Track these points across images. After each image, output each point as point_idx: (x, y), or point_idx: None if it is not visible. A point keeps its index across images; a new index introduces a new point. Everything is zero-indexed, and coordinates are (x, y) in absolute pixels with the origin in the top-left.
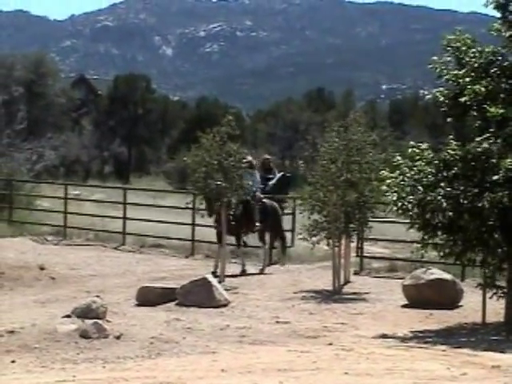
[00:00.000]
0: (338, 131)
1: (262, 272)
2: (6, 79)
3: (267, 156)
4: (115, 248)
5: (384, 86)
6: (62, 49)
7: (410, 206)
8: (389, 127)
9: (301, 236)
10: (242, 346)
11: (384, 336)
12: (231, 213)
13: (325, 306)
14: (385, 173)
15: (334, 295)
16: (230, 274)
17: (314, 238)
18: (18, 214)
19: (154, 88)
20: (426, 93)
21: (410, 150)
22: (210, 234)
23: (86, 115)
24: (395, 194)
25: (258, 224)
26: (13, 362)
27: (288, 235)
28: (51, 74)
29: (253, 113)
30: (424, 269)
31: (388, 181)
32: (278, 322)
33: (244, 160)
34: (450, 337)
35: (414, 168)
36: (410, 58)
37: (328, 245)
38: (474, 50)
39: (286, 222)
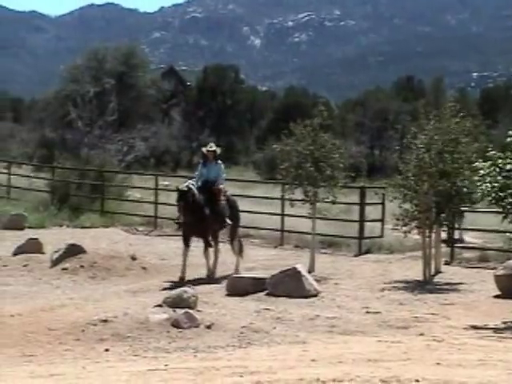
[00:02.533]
0: (433, 120)
1: (211, 277)
2: (97, 71)
3: None
4: None
5: (475, 74)
6: (151, 40)
7: (503, 195)
8: (480, 116)
9: (391, 226)
10: (332, 335)
11: (476, 327)
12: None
13: (415, 297)
14: (479, 164)
15: (424, 285)
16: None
17: (404, 228)
18: (109, 204)
19: (242, 78)
20: None
21: (508, 140)
22: (300, 224)
23: (175, 106)
24: (488, 184)
25: (228, 221)
26: (106, 350)
27: (378, 225)
28: (141, 65)
29: (341, 102)
30: None
31: (481, 171)
32: (367, 312)
33: (207, 149)
34: None
35: (508, 159)
36: (501, 44)
37: (419, 234)
38: None
39: (376, 212)
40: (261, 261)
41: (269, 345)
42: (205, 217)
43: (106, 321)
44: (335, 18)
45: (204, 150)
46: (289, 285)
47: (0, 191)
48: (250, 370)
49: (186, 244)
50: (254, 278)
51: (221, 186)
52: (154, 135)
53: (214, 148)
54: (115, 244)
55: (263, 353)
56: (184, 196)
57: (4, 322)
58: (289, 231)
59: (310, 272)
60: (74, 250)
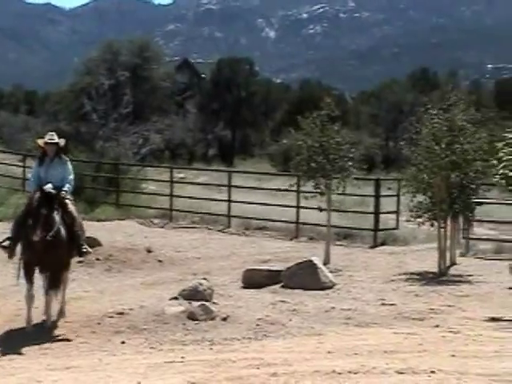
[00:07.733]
0: (440, 112)
1: (48, 325)
2: (112, 64)
3: None
4: (220, 230)
5: (489, 66)
6: (165, 33)
7: None
8: (494, 107)
9: (405, 218)
10: (347, 327)
11: (491, 318)
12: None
13: (430, 288)
14: (499, 145)
15: (439, 277)
16: None
17: (418, 220)
18: (124, 197)
19: (256, 71)
20: None
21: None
22: (315, 217)
23: (189, 98)
24: (507, 168)
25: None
26: (123, 342)
27: (392, 217)
28: (156, 58)
29: (356, 94)
30: None
31: (501, 154)
32: (383, 304)
33: (45, 141)
34: None
35: None
36: None
37: (432, 226)
38: None
39: (391, 204)
40: (276, 253)
41: (285, 337)
42: (61, 239)
43: (122, 313)
44: (350, 9)
45: (40, 141)
46: (304, 277)
47: (14, 183)
48: (267, 362)
49: (30, 279)
50: (270, 271)
51: (67, 194)
52: (168, 128)
53: (55, 139)
54: (131, 236)
55: (279, 345)
56: (51, 201)
57: (20, 314)
58: (304, 223)
59: (325, 264)
60: (89, 243)
